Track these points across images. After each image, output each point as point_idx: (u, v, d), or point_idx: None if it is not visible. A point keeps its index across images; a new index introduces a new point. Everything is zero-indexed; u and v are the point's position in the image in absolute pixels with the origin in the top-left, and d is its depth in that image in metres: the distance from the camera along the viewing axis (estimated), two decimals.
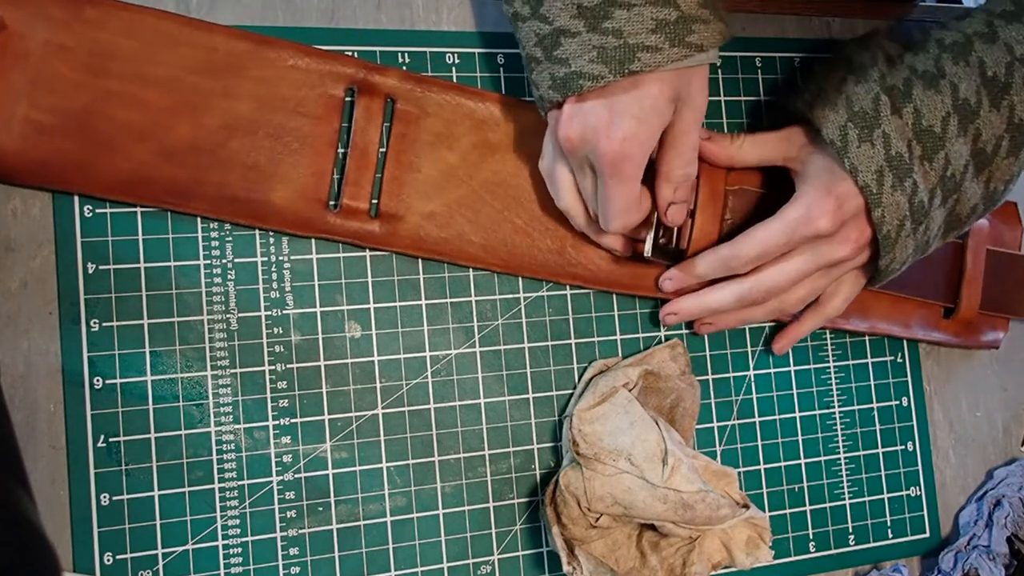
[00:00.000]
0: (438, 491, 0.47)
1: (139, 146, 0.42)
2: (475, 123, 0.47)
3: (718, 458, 0.51)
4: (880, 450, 0.55)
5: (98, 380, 0.42)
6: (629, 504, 0.44)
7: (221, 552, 0.43)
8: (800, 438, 0.53)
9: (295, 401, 0.45)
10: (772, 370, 0.53)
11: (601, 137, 0.40)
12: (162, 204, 0.43)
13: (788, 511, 0.53)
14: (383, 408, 0.46)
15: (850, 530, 0.54)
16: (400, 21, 0.48)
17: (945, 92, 0.44)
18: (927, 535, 0.56)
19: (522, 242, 0.48)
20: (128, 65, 0.42)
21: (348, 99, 0.46)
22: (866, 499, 0.54)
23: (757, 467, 0.52)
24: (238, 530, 0.43)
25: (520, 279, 0.49)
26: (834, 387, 0.55)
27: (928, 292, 0.55)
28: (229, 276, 0.44)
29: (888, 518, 0.55)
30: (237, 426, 0.44)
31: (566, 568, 0.44)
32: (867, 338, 0.55)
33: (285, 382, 0.45)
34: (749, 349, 0.53)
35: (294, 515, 0.44)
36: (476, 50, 0.49)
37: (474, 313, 0.48)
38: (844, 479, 0.54)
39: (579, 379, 0.50)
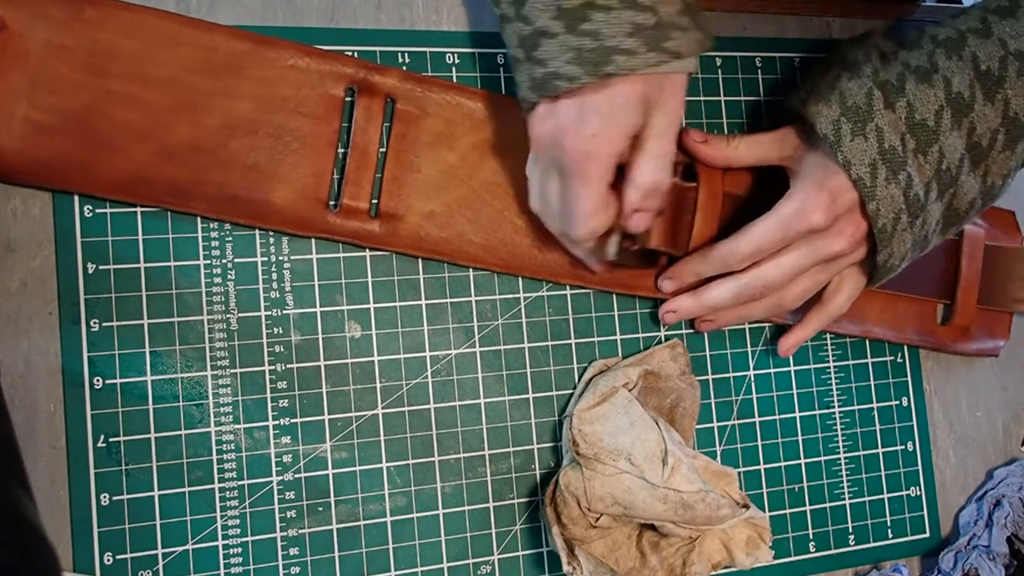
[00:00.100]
0: (438, 491, 0.47)
1: (139, 146, 0.42)
2: (475, 123, 0.47)
3: (718, 458, 0.51)
4: (880, 450, 0.55)
5: (98, 380, 0.42)
6: (629, 504, 0.44)
7: (221, 552, 0.43)
8: (800, 438, 0.53)
9: (295, 401, 0.45)
10: (772, 370, 0.53)
11: (568, 135, 0.40)
12: (162, 204, 0.43)
13: (788, 511, 0.53)
14: (383, 408, 0.46)
15: (850, 530, 0.54)
16: (400, 21, 0.48)
17: (938, 86, 0.44)
18: (927, 535, 0.56)
19: (522, 242, 0.48)
20: (128, 65, 0.42)
21: (348, 99, 0.46)
22: (866, 499, 0.54)
23: (757, 467, 0.52)
24: (238, 530, 0.43)
25: (520, 279, 0.49)
26: (834, 387, 0.55)
27: (924, 289, 0.55)
28: (229, 276, 0.44)
29: (888, 518, 0.55)
30: (237, 426, 0.44)
31: (566, 568, 0.44)
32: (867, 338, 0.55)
33: (285, 382, 0.45)
34: (749, 349, 0.53)
35: (294, 515, 0.44)
36: (476, 50, 0.49)
37: (474, 313, 0.48)
38: (844, 479, 0.54)
39: (579, 379, 0.50)
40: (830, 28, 0.57)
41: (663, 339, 0.51)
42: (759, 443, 0.52)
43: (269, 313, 0.45)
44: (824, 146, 0.44)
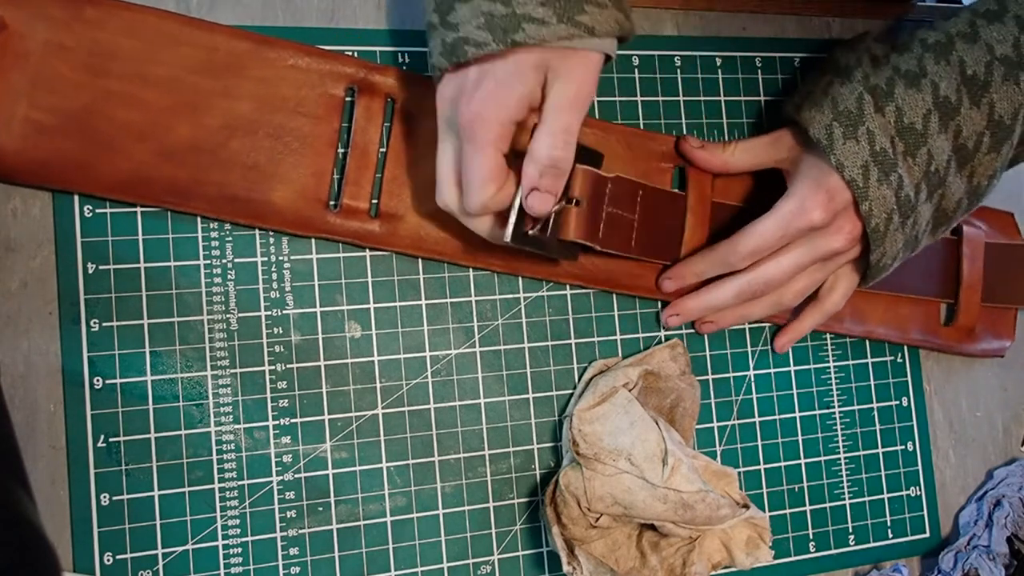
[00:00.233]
0: (438, 491, 0.47)
1: (139, 146, 0.42)
2: None
3: (718, 458, 0.51)
4: (880, 450, 0.55)
5: (98, 380, 0.42)
6: (629, 504, 0.44)
7: (221, 552, 0.43)
8: (800, 438, 0.53)
9: (295, 401, 0.45)
10: (772, 370, 0.53)
11: (463, 99, 0.39)
12: (162, 204, 0.43)
13: (788, 511, 0.53)
14: (383, 408, 0.46)
15: (850, 530, 0.54)
16: (400, 21, 0.48)
17: (926, 90, 0.45)
18: (927, 535, 0.56)
19: None
20: (128, 65, 0.42)
21: (348, 99, 0.46)
22: (866, 499, 0.54)
23: (757, 467, 0.52)
24: (238, 530, 0.43)
25: (520, 279, 0.49)
26: (834, 387, 0.55)
27: (926, 289, 0.55)
28: (229, 276, 0.44)
29: (888, 518, 0.55)
30: (237, 426, 0.44)
31: (566, 568, 0.44)
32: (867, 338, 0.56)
33: (285, 382, 0.45)
34: (749, 349, 0.53)
35: (294, 515, 0.44)
36: None
37: (474, 313, 0.48)
38: (844, 479, 0.54)
39: (579, 379, 0.50)
40: (830, 28, 0.57)
41: (663, 339, 0.51)
42: (759, 443, 0.52)
43: (269, 313, 0.45)
44: (818, 149, 0.45)
